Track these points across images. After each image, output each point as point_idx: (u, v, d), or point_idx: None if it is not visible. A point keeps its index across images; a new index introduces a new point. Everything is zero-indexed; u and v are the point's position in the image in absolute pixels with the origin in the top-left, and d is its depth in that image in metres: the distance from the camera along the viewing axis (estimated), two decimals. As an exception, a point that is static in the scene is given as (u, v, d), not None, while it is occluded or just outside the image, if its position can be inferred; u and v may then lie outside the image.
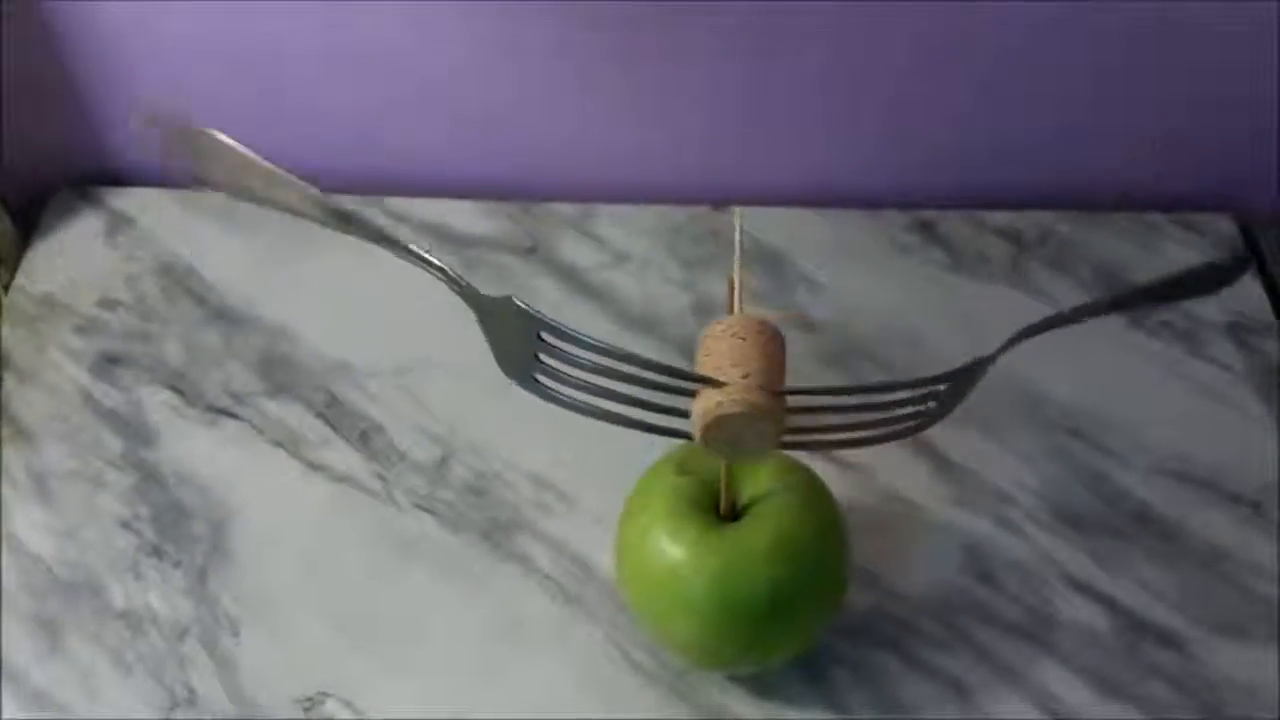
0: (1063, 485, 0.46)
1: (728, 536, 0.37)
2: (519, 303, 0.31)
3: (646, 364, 0.30)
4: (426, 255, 0.32)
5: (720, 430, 0.30)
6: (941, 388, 0.32)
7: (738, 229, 0.33)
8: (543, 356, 0.32)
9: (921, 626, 0.42)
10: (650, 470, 0.39)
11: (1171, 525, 0.45)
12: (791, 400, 0.32)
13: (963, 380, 0.33)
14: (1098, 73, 0.51)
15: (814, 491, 0.38)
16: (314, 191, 0.32)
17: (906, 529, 0.45)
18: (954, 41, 0.50)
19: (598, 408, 0.32)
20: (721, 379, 0.30)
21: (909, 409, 0.33)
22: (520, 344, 0.32)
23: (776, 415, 0.30)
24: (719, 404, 0.30)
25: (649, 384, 0.31)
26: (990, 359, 0.33)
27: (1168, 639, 0.42)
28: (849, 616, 0.42)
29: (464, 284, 0.32)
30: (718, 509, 0.38)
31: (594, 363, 0.31)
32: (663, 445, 0.40)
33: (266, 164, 0.31)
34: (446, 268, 0.32)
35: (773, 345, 0.31)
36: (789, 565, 0.36)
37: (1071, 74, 0.51)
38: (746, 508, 0.38)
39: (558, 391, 0.33)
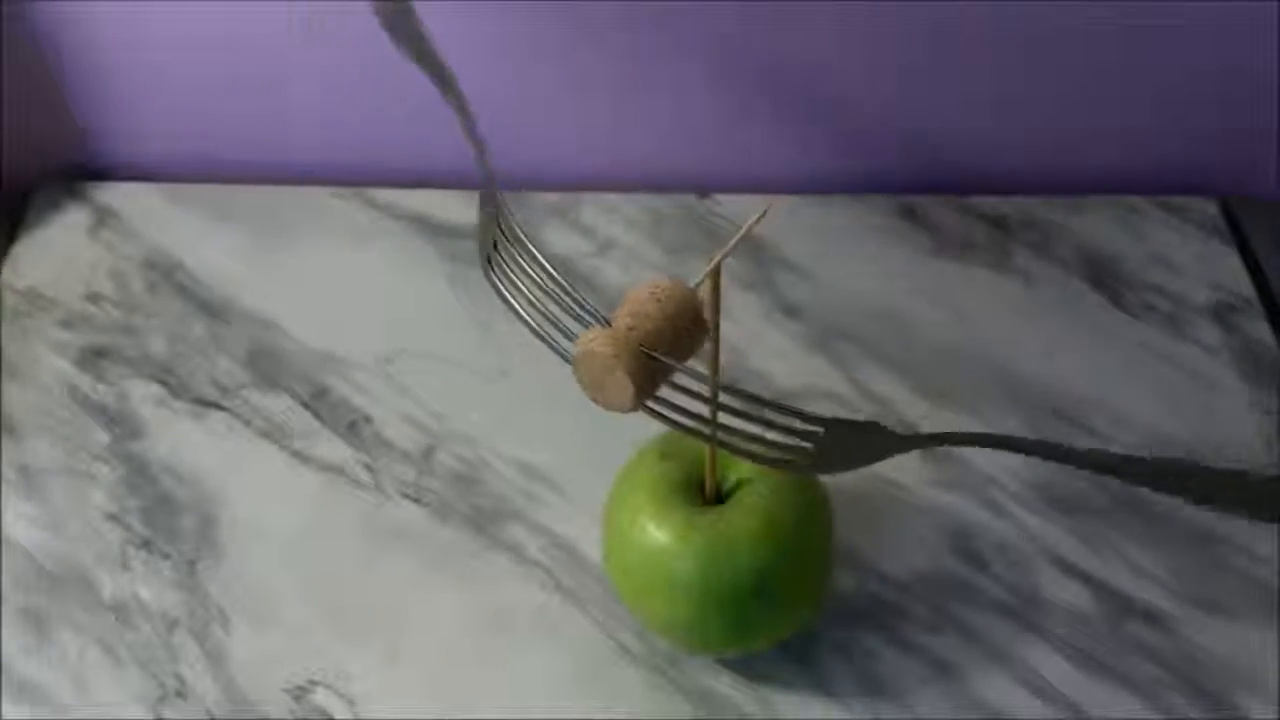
0: (1047, 467, 0.46)
1: (713, 520, 0.37)
2: (497, 192, 0.31)
3: (566, 289, 0.30)
4: None
5: (585, 367, 0.30)
6: (819, 430, 0.30)
7: (752, 221, 0.32)
8: (499, 249, 0.32)
9: (909, 608, 0.42)
10: (634, 456, 0.40)
11: (1155, 506, 0.45)
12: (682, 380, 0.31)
13: (843, 434, 0.31)
14: (1080, 59, 0.51)
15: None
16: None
17: (893, 512, 0.45)
18: (939, 31, 0.50)
19: (521, 314, 0.32)
20: (611, 322, 0.30)
21: (782, 437, 0.31)
22: (485, 233, 0.33)
23: (639, 373, 0.29)
24: (590, 339, 0.30)
25: (565, 307, 0.31)
26: (897, 437, 0.32)
27: (1153, 617, 0.42)
28: (836, 599, 0.42)
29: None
30: (703, 493, 0.38)
31: (529, 272, 0.31)
32: (650, 431, 0.41)
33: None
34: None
35: (683, 318, 0.31)
36: (774, 547, 0.36)
37: (1054, 61, 0.51)
38: (731, 492, 0.38)
39: (500, 288, 0.32)
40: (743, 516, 0.37)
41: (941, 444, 0.35)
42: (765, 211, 0.31)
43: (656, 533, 0.37)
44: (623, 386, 0.29)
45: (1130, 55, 0.51)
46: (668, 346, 0.30)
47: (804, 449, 0.31)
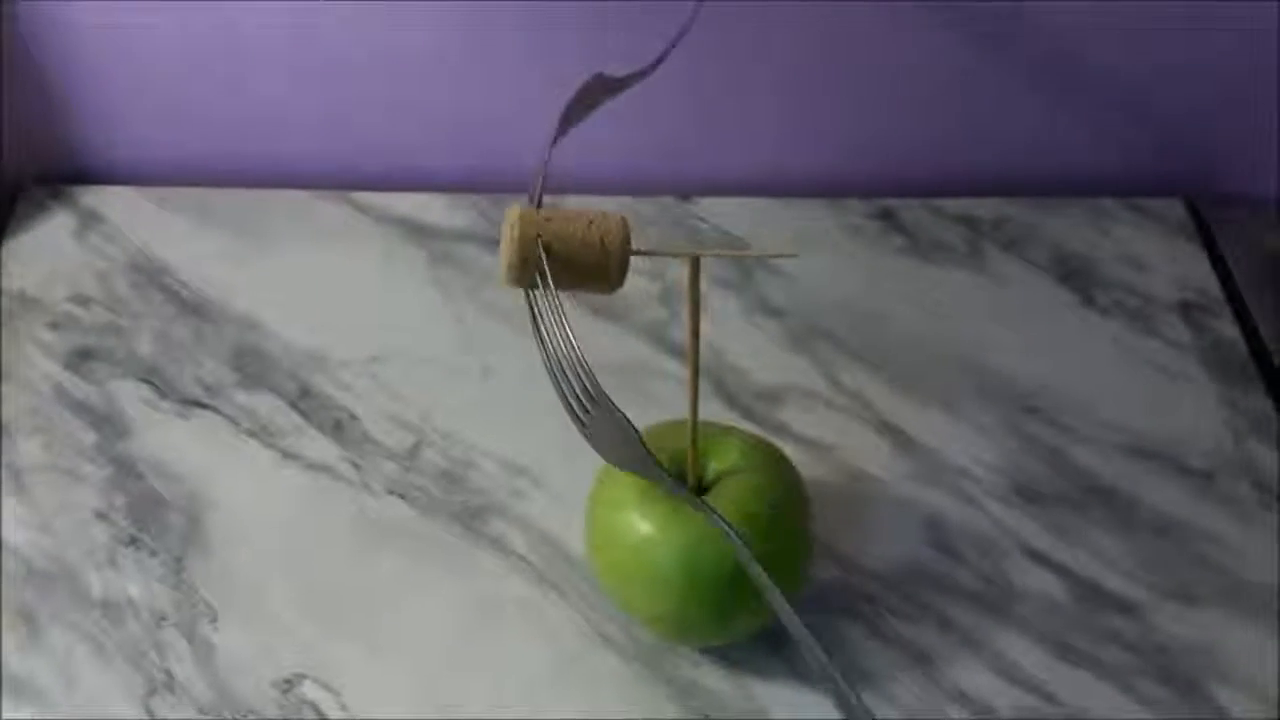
0: (1019, 460, 0.47)
1: (694, 511, 0.38)
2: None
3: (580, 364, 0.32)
4: None
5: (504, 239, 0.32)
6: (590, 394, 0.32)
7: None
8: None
9: (884, 598, 0.43)
10: (618, 450, 0.40)
11: (1126, 497, 0.46)
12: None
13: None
14: (1048, 61, 0.53)
15: (779, 466, 0.40)
16: None
17: (868, 504, 0.46)
18: (910, 34, 0.51)
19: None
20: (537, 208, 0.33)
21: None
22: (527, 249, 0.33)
23: (522, 247, 0.32)
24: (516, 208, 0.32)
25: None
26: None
27: (1123, 605, 0.43)
28: (814, 589, 0.43)
29: None
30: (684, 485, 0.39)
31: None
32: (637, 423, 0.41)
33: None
34: None
35: (586, 233, 0.32)
36: (755, 537, 0.37)
37: (1023, 63, 0.53)
38: (713, 483, 0.39)
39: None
40: (724, 506, 0.37)
41: None
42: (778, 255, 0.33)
43: (639, 524, 0.38)
44: (505, 253, 0.31)
45: (1097, 56, 0.52)
46: (567, 250, 0.32)
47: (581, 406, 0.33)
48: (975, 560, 0.44)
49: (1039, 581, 0.44)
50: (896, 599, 0.43)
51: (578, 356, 0.31)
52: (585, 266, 0.32)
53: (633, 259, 0.33)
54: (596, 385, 0.31)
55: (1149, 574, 0.44)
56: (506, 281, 0.32)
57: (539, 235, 0.32)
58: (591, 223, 0.32)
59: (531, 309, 0.33)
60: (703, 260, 0.35)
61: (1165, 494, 0.46)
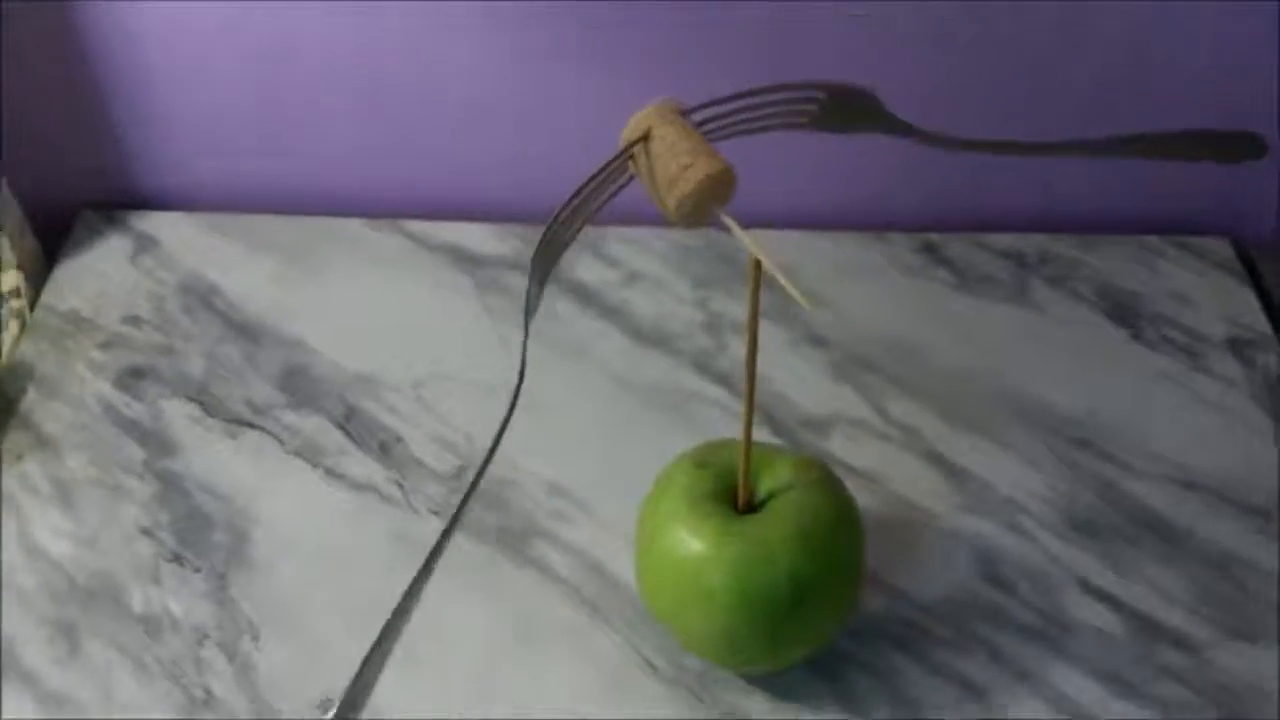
0: (1071, 492, 0.46)
1: (747, 528, 0.37)
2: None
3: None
4: None
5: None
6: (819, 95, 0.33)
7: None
8: None
9: (935, 629, 0.43)
10: (669, 466, 0.40)
11: (1180, 532, 0.45)
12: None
13: (839, 99, 0.33)
14: (1097, 103, 0.53)
15: (831, 486, 0.39)
16: None
17: (918, 535, 0.45)
18: (958, 72, 0.52)
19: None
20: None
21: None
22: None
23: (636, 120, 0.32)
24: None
25: None
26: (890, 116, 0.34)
27: (1180, 641, 0.42)
28: (864, 620, 0.43)
29: None
30: (735, 503, 0.39)
31: None
32: (679, 448, 0.41)
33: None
34: None
35: (674, 155, 0.32)
36: (809, 556, 0.37)
37: (1070, 103, 0.53)
38: (764, 501, 0.39)
39: None
40: (778, 525, 0.37)
41: (944, 144, 0.36)
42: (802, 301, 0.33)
43: (690, 540, 0.37)
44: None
45: (1145, 95, 0.53)
46: (657, 150, 0.32)
47: (807, 109, 0.33)
48: (1028, 592, 0.44)
49: (1094, 615, 0.43)
50: (948, 630, 0.42)
51: None
52: (659, 179, 0.32)
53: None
54: None
55: (1207, 610, 0.43)
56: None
57: (651, 125, 0.32)
58: (689, 165, 0.31)
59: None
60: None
61: (1222, 529, 0.45)
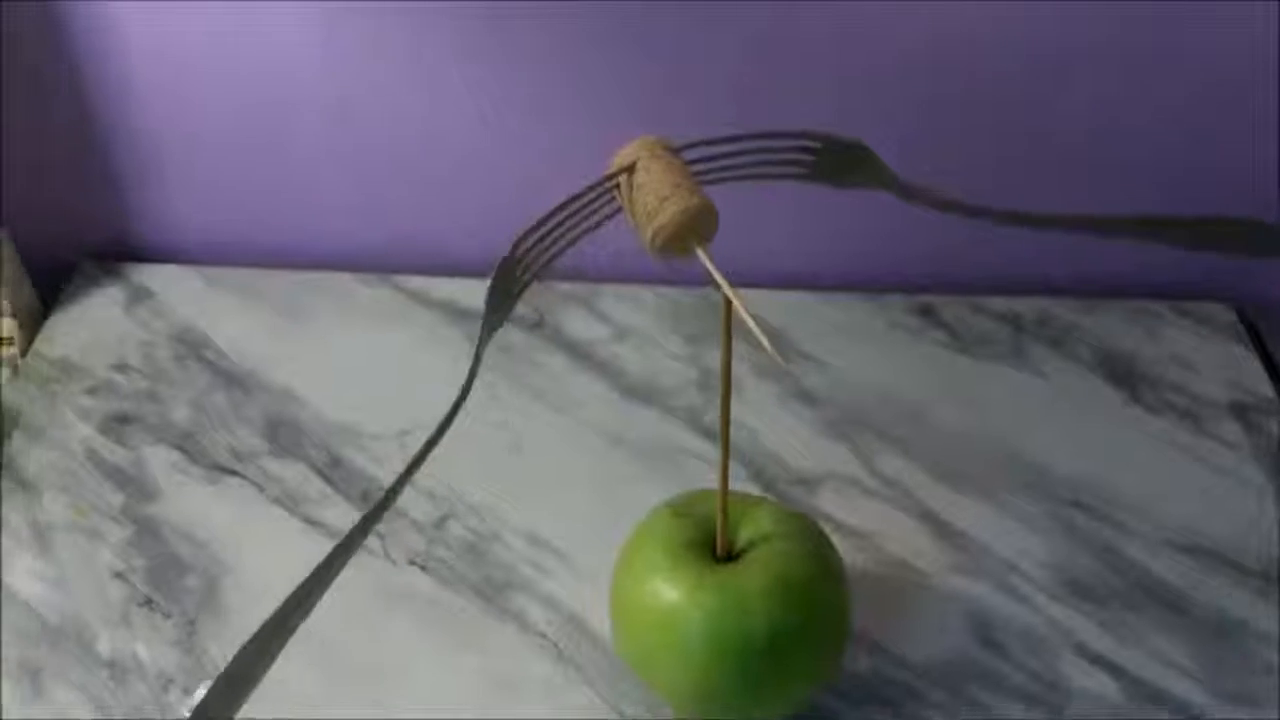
0: (1069, 555, 0.45)
1: (724, 577, 0.36)
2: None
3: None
4: None
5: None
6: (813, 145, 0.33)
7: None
8: None
9: (927, 692, 0.41)
10: (648, 516, 0.39)
11: (1181, 596, 0.44)
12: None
13: (833, 152, 0.33)
14: (1095, 166, 0.53)
15: (812, 536, 0.38)
16: None
17: (911, 596, 0.44)
18: (953, 134, 0.52)
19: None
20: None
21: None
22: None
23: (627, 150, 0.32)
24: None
25: None
26: (890, 173, 0.34)
27: (1179, 707, 0.40)
28: (853, 680, 0.41)
29: None
30: (714, 552, 0.38)
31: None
32: (659, 500, 0.40)
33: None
34: None
35: (654, 194, 0.32)
36: (787, 606, 0.36)
37: (1068, 165, 0.53)
38: (744, 551, 0.37)
39: None
40: (755, 573, 0.36)
41: (957, 211, 0.35)
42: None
43: (665, 588, 0.36)
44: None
45: (1143, 158, 0.53)
46: (640, 183, 0.32)
47: (802, 160, 0.33)
48: (1023, 657, 0.42)
49: (1092, 681, 0.41)
50: (940, 693, 0.41)
51: None
52: (638, 211, 0.32)
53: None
54: None
55: (1207, 676, 0.41)
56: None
57: (638, 158, 0.32)
58: (667, 197, 0.31)
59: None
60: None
61: (1223, 594, 0.44)
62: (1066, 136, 0.52)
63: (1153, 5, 0.47)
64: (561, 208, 0.32)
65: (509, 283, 0.32)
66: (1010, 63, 0.49)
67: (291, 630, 0.31)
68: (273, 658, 0.31)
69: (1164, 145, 0.52)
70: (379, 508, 0.32)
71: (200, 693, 0.37)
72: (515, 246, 0.31)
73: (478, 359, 0.31)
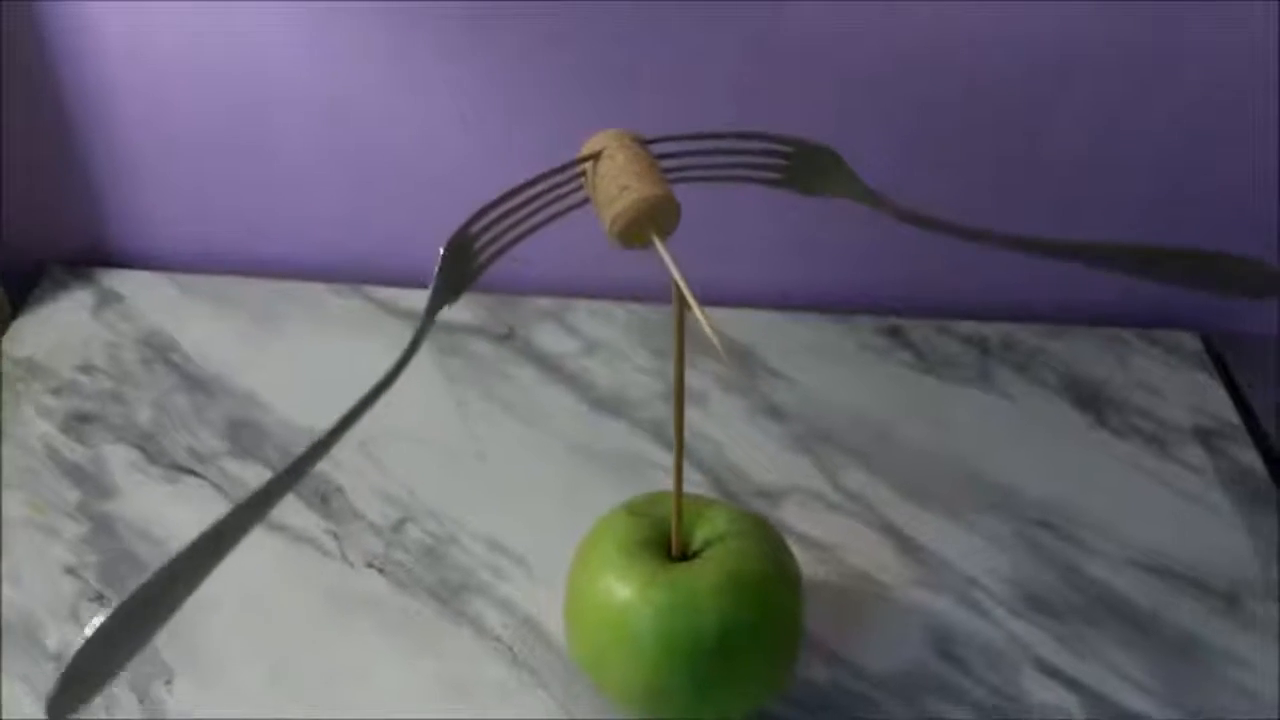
0: (1032, 573, 0.45)
1: (677, 574, 0.36)
2: None
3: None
4: None
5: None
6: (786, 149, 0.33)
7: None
8: None
9: (885, 704, 0.40)
10: (604, 516, 0.39)
11: (1143, 615, 0.43)
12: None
13: (806, 157, 0.33)
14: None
15: (768, 538, 0.38)
16: None
17: (871, 608, 0.43)
18: (926, 160, 0.53)
19: None
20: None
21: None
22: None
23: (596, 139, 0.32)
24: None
25: None
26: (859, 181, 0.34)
27: (1142, 725, 0.40)
28: (810, 690, 0.40)
29: None
30: (669, 552, 0.37)
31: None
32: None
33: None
34: None
35: (615, 179, 0.32)
36: (739, 604, 0.35)
37: (1035, 191, 0.54)
38: (699, 551, 0.37)
39: None
40: (708, 571, 0.36)
41: (923, 225, 0.35)
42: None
43: (618, 586, 0.36)
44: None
45: (1111, 188, 0.53)
46: (605, 169, 0.32)
47: (773, 164, 0.33)
48: (983, 671, 0.42)
49: (1052, 696, 0.41)
50: (898, 706, 0.40)
51: None
52: (600, 197, 0.32)
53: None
54: None
55: (1170, 693, 0.41)
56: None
57: (605, 147, 0.32)
58: (627, 186, 0.31)
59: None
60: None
61: (1185, 613, 0.43)
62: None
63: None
64: (522, 188, 0.32)
65: (462, 256, 0.32)
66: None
67: (180, 595, 0.30)
68: (158, 621, 0.29)
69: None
70: (288, 473, 0.31)
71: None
72: (471, 221, 0.31)
73: (423, 329, 0.31)
